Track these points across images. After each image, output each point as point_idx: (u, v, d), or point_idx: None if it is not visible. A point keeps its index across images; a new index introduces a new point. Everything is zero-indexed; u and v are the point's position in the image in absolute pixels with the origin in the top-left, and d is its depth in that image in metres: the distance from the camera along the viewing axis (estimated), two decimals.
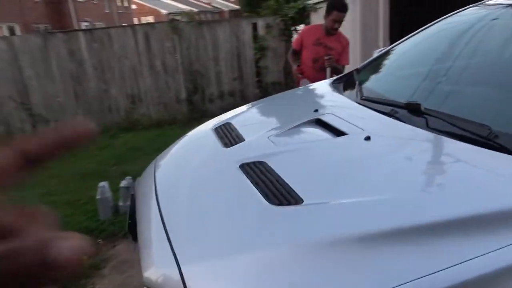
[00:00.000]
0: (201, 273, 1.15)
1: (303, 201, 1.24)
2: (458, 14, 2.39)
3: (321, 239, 1.12)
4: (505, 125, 1.45)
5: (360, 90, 2.11)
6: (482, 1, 2.37)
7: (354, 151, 1.54)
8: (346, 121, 1.75)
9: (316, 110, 1.93)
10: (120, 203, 3.54)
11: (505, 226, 1.05)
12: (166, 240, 1.29)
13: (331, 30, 3.67)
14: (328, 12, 3.64)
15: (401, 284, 0.91)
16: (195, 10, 26.31)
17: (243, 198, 1.37)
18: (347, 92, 2.18)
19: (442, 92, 1.87)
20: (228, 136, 1.88)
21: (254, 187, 1.37)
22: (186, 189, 1.60)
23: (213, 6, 45.33)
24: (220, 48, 7.44)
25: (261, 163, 1.52)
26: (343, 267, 1.02)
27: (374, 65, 2.49)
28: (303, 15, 7.29)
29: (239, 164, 1.54)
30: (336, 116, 1.82)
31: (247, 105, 2.48)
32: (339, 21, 3.64)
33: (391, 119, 1.71)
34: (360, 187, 1.30)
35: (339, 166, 1.47)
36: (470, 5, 2.41)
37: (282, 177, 1.39)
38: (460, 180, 1.29)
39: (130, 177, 3.56)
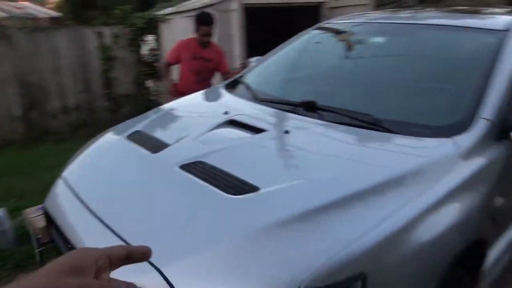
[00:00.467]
0: (184, 272, 1.18)
1: (259, 189, 1.39)
2: (315, 31, 2.89)
3: (278, 220, 1.29)
4: (384, 113, 1.88)
5: (256, 93, 2.36)
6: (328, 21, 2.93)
7: (279, 143, 1.76)
8: (258, 119, 1.96)
9: (226, 113, 2.08)
10: None
11: (396, 191, 1.41)
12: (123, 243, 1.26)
13: (203, 43, 3.80)
14: (196, 27, 3.75)
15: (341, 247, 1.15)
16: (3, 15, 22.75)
17: (200, 194, 1.42)
18: (245, 95, 2.40)
19: (327, 92, 2.25)
20: (148, 142, 1.87)
21: (206, 183, 1.44)
22: (124, 195, 1.55)
23: (26, 12, 39.95)
24: (61, 57, 6.77)
25: (200, 162, 1.59)
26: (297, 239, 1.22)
27: (258, 72, 2.77)
28: (152, 26, 7.25)
29: (179, 165, 1.58)
30: (247, 116, 2.01)
31: (145, 114, 2.44)
32: (208, 34, 3.78)
33: (294, 114, 2.00)
34: (300, 171, 1.52)
35: (273, 157, 1.67)
36: (320, 23, 2.97)
37: (227, 171, 1.51)
38: (366, 157, 1.64)
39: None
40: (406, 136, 1.69)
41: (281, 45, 2.92)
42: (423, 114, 1.87)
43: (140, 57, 7.43)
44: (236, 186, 1.41)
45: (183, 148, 1.76)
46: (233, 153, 1.70)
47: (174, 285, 1.13)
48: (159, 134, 1.96)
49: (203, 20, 3.74)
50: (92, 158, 1.94)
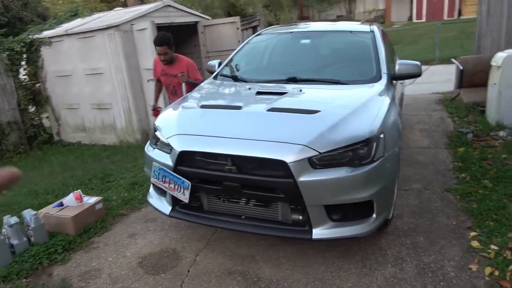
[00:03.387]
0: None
1: (320, 111, 2.73)
2: (258, 36, 4.30)
3: (333, 123, 2.67)
4: (338, 77, 3.42)
5: (245, 77, 3.62)
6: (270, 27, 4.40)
7: (303, 95, 3.10)
8: (274, 89, 3.26)
9: (249, 88, 3.30)
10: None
11: (373, 102, 2.95)
12: None
13: (164, 61, 4.20)
14: (154, 47, 4.22)
15: (371, 122, 2.65)
16: None
17: (290, 117, 2.70)
18: (242, 80, 3.63)
19: (296, 71, 3.65)
20: (224, 107, 2.98)
21: (290, 113, 2.71)
22: (232, 129, 2.72)
23: None
24: None
25: (275, 108, 2.81)
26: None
27: (231, 67, 3.98)
28: (31, 50, 7.19)
29: (266, 110, 2.78)
30: (266, 88, 3.28)
31: (183, 98, 3.43)
32: (163, 54, 4.12)
33: (289, 84, 3.36)
34: (326, 103, 2.90)
35: (307, 100, 3.02)
36: (260, 31, 4.40)
37: (295, 107, 2.79)
38: (348, 94, 3.14)
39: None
40: (357, 85, 3.27)
41: (237, 48, 4.22)
42: (359, 75, 3.49)
43: (21, 82, 7.27)
44: (309, 111, 2.71)
45: (256, 105, 2.93)
46: (285, 102, 2.94)
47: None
48: (223, 103, 3.05)
49: (155, 41, 4.13)
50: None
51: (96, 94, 6.92)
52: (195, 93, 3.51)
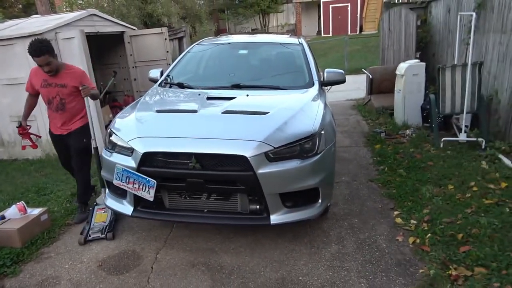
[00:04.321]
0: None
1: (269, 112, 3.08)
2: (197, 46, 4.56)
3: (280, 123, 3.05)
4: (276, 83, 3.82)
5: (191, 84, 3.88)
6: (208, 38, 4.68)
7: (250, 99, 3.43)
8: (222, 94, 3.55)
9: (199, 94, 3.55)
10: None
11: (310, 106, 3.40)
12: None
13: (46, 73, 3.55)
14: (33, 58, 3.45)
15: (312, 122, 3.09)
16: None
17: (243, 118, 3.00)
18: (188, 87, 3.85)
19: (238, 78, 3.96)
20: (181, 110, 3.20)
21: (243, 114, 3.02)
22: (187, 129, 2.96)
23: None
24: None
25: (229, 111, 3.10)
26: None
27: (175, 75, 4.17)
28: None
29: (221, 112, 3.06)
30: (214, 94, 3.56)
31: (134, 103, 3.54)
32: (45, 64, 3.47)
33: (234, 90, 3.68)
34: (272, 106, 3.26)
35: (255, 103, 3.35)
36: (199, 41, 4.67)
37: (246, 110, 3.11)
38: (288, 98, 3.54)
39: None
40: (294, 90, 3.70)
41: (179, 57, 4.43)
42: (294, 82, 3.92)
43: None
44: (259, 112, 3.05)
45: (210, 108, 3.19)
46: (236, 105, 3.23)
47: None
48: (178, 108, 3.26)
49: (32, 52, 3.39)
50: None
51: (15, 105, 6.50)
52: (145, 99, 3.65)
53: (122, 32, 7.76)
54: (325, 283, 2.68)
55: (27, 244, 3.41)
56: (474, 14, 5.11)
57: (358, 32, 26.37)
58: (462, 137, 4.98)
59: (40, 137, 4.25)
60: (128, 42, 7.81)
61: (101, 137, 6.08)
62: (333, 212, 3.64)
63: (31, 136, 3.97)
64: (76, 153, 3.82)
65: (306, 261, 2.93)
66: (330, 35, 26.83)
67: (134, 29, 8.12)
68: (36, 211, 3.67)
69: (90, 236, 3.44)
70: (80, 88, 3.56)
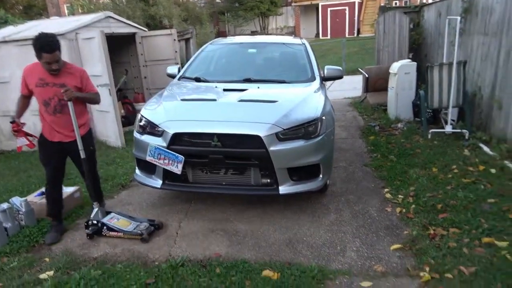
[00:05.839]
0: None
1: (278, 101, 3.60)
2: (211, 45, 5.09)
3: (288, 110, 3.57)
4: (282, 77, 4.35)
5: (208, 78, 4.39)
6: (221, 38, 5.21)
7: (261, 90, 3.95)
8: (235, 86, 4.07)
9: (216, 86, 4.07)
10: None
11: (313, 97, 3.92)
12: None
13: (52, 71, 3.24)
14: (38, 56, 3.15)
15: (315, 110, 3.61)
16: None
17: (255, 105, 3.53)
18: (205, 80, 4.37)
19: (248, 72, 4.48)
20: (202, 98, 3.72)
21: (256, 102, 3.55)
22: (208, 112, 3.45)
23: None
24: None
25: (244, 99, 3.62)
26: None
27: (191, 71, 4.69)
28: None
29: (237, 100, 3.58)
30: (228, 86, 4.07)
31: (159, 93, 4.05)
32: (54, 62, 3.18)
33: (246, 83, 4.20)
34: (282, 95, 3.79)
35: (266, 93, 3.87)
36: (211, 41, 5.20)
37: (258, 99, 3.63)
38: (294, 89, 4.06)
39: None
40: (298, 83, 4.23)
41: (194, 55, 4.96)
42: (298, 77, 4.45)
43: None
44: (269, 101, 3.58)
45: (227, 97, 3.72)
46: (249, 95, 3.76)
47: None
48: (200, 97, 3.79)
49: (44, 47, 3.10)
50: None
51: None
52: (168, 91, 4.17)
53: (134, 33, 8.28)
54: (325, 242, 3.20)
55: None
56: (459, 18, 5.66)
57: (355, 35, 27.01)
58: (448, 128, 5.51)
59: (36, 137, 3.62)
60: (140, 43, 8.33)
61: (117, 130, 6.58)
62: (331, 190, 4.17)
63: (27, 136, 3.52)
64: (85, 160, 3.47)
65: (309, 226, 3.45)
66: (329, 37, 27.45)
67: (145, 30, 8.64)
68: (70, 189, 4.18)
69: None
70: (62, 91, 3.20)
